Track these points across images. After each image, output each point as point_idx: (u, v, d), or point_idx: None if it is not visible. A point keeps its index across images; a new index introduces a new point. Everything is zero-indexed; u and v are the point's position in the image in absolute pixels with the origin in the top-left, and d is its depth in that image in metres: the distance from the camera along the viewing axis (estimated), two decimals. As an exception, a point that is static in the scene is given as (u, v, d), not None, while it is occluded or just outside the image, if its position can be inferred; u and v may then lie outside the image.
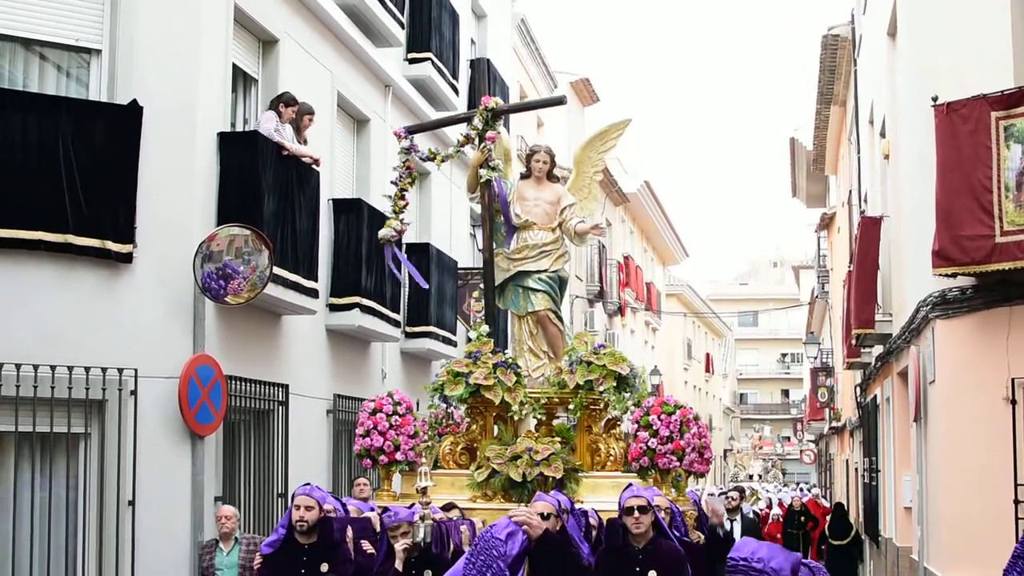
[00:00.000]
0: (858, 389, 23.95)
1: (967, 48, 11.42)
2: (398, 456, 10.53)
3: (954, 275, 10.96)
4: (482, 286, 11.70)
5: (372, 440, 10.52)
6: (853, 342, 17.59)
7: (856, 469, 27.04)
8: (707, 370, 66.99)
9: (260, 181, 12.54)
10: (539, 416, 11.01)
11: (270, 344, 13.82)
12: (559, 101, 13.56)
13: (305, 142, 13.87)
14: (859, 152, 21.77)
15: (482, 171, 11.23)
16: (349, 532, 8.77)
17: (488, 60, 21.56)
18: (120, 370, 11.11)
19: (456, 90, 20.20)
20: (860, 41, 21.45)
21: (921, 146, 12.01)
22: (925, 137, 11.51)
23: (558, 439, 10.58)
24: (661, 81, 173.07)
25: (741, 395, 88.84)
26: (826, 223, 35.96)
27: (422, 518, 7.91)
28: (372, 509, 9.81)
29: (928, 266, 11.09)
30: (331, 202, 15.34)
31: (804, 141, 32.68)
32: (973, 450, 11.07)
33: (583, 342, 10.90)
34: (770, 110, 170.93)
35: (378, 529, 8.90)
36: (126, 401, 11.19)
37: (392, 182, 11.65)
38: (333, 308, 15.32)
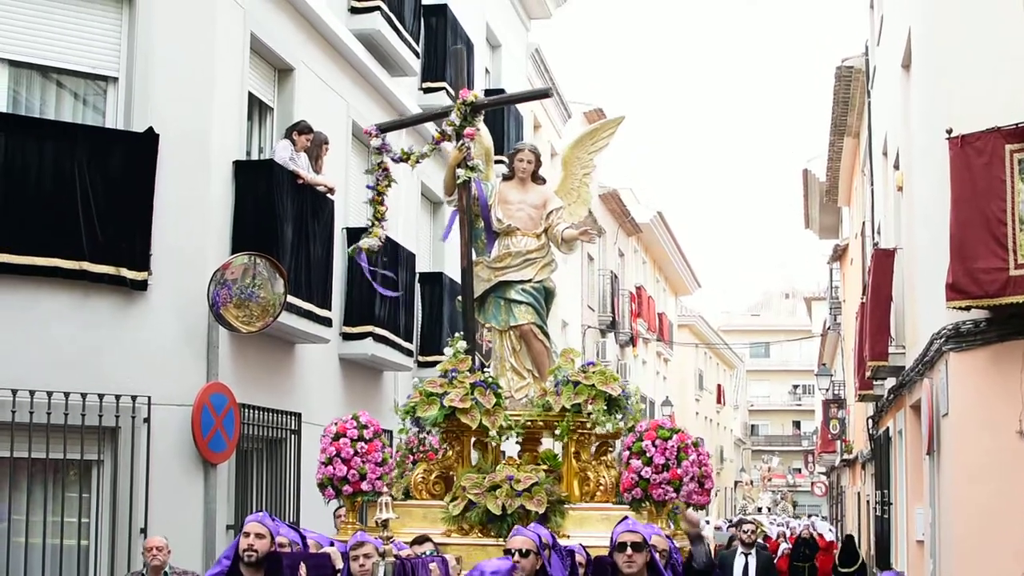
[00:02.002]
0: (870, 421, 23.88)
1: (982, 81, 11.45)
2: (364, 486, 9.50)
3: (968, 308, 10.95)
4: (460, 298, 10.75)
5: (335, 468, 9.49)
6: (867, 374, 17.55)
7: (868, 502, 26.92)
8: (718, 401, 66.92)
9: (275, 209, 12.58)
10: (520, 440, 10.12)
11: (283, 372, 13.83)
12: (544, 94, 13.25)
13: (320, 171, 13.91)
14: (872, 184, 21.78)
15: (460, 171, 10.32)
16: (303, 571, 7.73)
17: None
18: (133, 397, 11.12)
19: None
20: (874, 73, 21.50)
21: (935, 178, 12.02)
22: (939, 169, 11.52)
23: (542, 467, 9.73)
24: (674, 112, 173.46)
25: (752, 426, 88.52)
26: (839, 255, 35.95)
27: (383, 555, 7.26)
28: (332, 543, 8.90)
29: (942, 299, 11.08)
30: (345, 231, 15.35)
31: (817, 172, 32.70)
32: (986, 484, 11.03)
33: (570, 360, 9.98)
34: (783, 141, 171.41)
35: (338, 566, 8.01)
36: (139, 428, 11.19)
37: (368, 186, 10.83)
38: (346, 337, 15.31)
